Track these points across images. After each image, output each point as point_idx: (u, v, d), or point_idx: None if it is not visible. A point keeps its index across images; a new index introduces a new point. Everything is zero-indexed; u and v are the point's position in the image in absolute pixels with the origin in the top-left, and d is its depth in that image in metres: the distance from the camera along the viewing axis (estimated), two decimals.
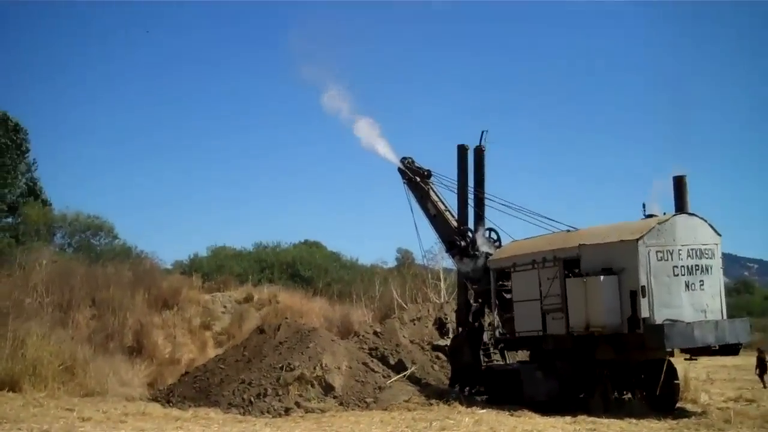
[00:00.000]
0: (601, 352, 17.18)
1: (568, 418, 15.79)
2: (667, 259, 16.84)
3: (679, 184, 18.88)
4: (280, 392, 17.64)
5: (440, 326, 22.34)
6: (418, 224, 22.39)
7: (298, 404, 17.31)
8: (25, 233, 41.78)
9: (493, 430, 14.00)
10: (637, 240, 16.65)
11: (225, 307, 30.32)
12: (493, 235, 21.41)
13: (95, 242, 45.00)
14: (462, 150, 21.76)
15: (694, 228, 17.40)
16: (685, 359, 17.72)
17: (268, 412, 17.04)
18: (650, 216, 17.64)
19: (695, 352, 17.26)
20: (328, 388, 18.01)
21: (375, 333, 23.54)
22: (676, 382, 17.75)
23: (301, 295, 32.27)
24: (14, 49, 68.44)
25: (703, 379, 21.06)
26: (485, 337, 20.59)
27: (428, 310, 25.48)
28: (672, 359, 17.50)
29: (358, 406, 17.60)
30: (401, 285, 29.36)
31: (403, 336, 23.74)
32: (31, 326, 19.95)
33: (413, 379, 20.26)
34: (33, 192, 45.82)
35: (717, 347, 17.18)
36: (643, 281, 16.54)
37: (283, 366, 18.31)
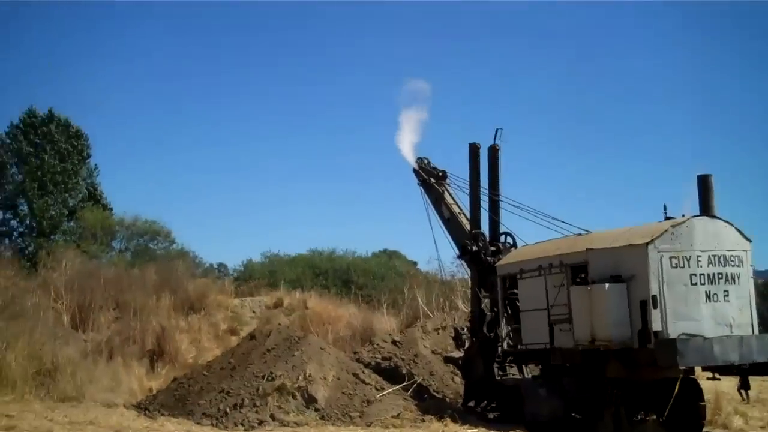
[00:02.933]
0: (612, 368, 15.12)
1: None
2: (683, 266, 14.57)
3: (704, 184, 16.59)
4: (258, 403, 16.12)
5: (456, 337, 20.54)
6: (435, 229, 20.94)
7: (273, 417, 15.73)
8: (83, 237, 41.98)
9: None
10: (647, 244, 14.50)
11: (254, 312, 29.26)
12: (509, 240, 19.62)
13: (153, 246, 44.94)
14: (474, 148, 19.93)
15: (716, 232, 15.04)
16: (707, 378, 15.42)
17: (242, 424, 15.51)
18: (669, 219, 15.52)
19: (721, 371, 15.07)
20: (310, 400, 16.37)
21: (393, 342, 21.99)
22: (701, 403, 15.42)
23: (332, 301, 30.84)
24: (78, 56, 69.51)
25: (742, 401, 18.48)
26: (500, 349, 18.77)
27: (454, 320, 23.74)
28: (709, 379, 15.40)
29: (341, 420, 15.90)
30: (428, 292, 27.65)
31: (424, 346, 22.12)
32: (28, 328, 19.09)
33: (421, 393, 18.59)
34: (93, 197, 46.13)
35: (747, 366, 14.99)
36: (654, 290, 14.32)
37: (265, 375, 16.80)
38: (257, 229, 74.15)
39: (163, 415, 16.63)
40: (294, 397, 16.30)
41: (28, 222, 43.30)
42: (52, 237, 41.98)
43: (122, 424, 15.10)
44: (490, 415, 17.59)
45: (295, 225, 72.86)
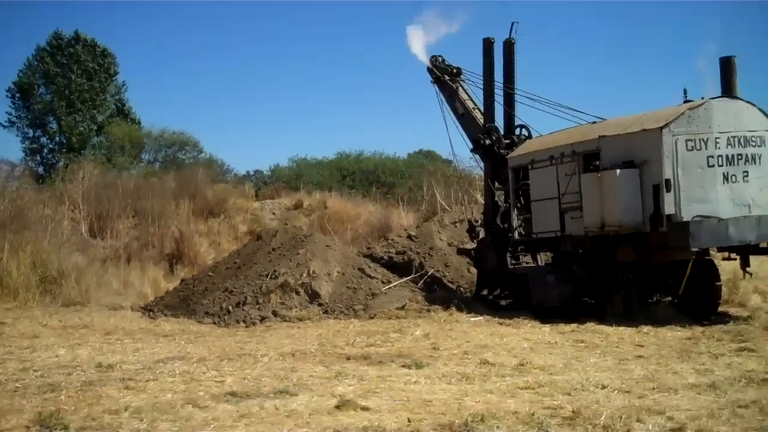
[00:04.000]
0: (622, 253, 14.56)
1: (569, 326, 13.53)
2: (700, 149, 13.83)
3: (727, 66, 15.69)
4: (261, 300, 15.87)
5: (470, 229, 20.14)
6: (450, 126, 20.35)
7: (275, 313, 15.48)
8: (112, 151, 42.20)
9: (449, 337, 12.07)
10: (662, 128, 13.74)
11: (274, 214, 28.99)
12: (524, 132, 18.99)
13: (181, 156, 45.08)
14: (488, 43, 19.00)
15: (737, 113, 14.13)
16: (723, 259, 14.86)
17: (243, 321, 15.31)
18: (688, 102, 14.74)
19: (738, 251, 14.50)
20: (313, 296, 16.06)
21: (409, 236, 21.70)
22: (717, 284, 14.84)
23: (352, 201, 30.48)
24: None
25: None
26: None
27: (471, 213, 23.33)
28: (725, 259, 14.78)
29: (344, 314, 15.62)
30: (447, 186, 27.15)
31: (440, 239, 21.75)
32: (35, 237, 19.09)
33: (433, 285, 18.38)
34: (122, 112, 46.33)
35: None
36: (667, 174, 13.61)
37: (268, 273, 16.52)
38: (288, 135, 73.44)
39: (165, 315, 16.49)
40: (297, 293, 16.00)
41: (57, 138, 43.78)
42: (81, 152, 42.37)
43: (117, 326, 14.92)
44: (503, 303, 17.35)
45: (325, 130, 71.99)
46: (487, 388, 8.77)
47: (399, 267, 19.13)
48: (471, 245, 20.07)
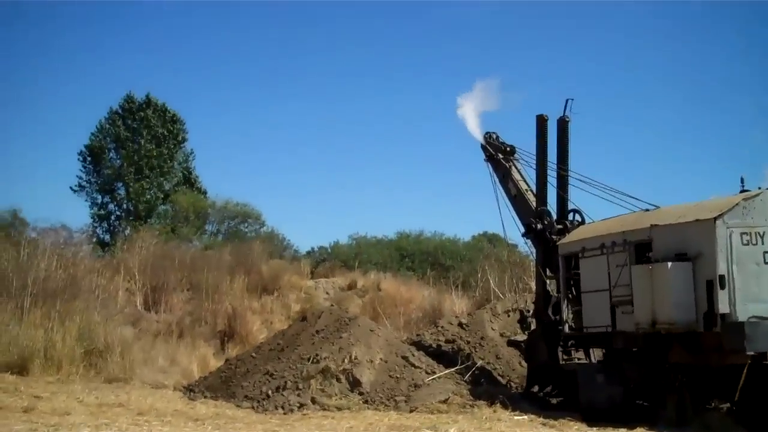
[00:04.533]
0: (675, 354, 13.74)
1: (617, 431, 12.72)
2: (756, 243, 13.04)
3: None
4: (301, 386, 15.42)
5: (521, 320, 19.39)
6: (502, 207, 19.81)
7: (314, 400, 15.01)
8: (176, 220, 42.74)
9: None
10: (716, 219, 13.05)
11: (327, 293, 28.70)
12: (578, 218, 18.32)
13: (243, 229, 45.27)
14: (541, 120, 18.52)
15: None
16: None
17: (282, 407, 14.84)
18: (745, 191, 13.97)
19: None
20: (354, 384, 15.54)
21: (460, 324, 21.03)
22: None
23: (407, 283, 29.93)
24: (174, 43, 70.74)
25: None
26: None
27: (525, 301, 22.56)
28: None
29: (385, 404, 15.01)
30: (502, 272, 26.42)
31: (492, 328, 21.05)
32: (82, 308, 19.10)
33: (481, 378, 17.65)
34: (188, 181, 46.86)
35: None
36: (722, 269, 12.85)
37: (310, 357, 16.10)
38: (349, 212, 73.45)
39: (205, 397, 16.21)
40: (338, 380, 15.54)
41: (125, 205, 44.45)
42: (148, 220, 42.94)
43: (153, 406, 14.63)
44: (553, 401, 16.53)
45: (386, 208, 71.77)
46: None
47: (447, 357, 18.48)
48: (522, 337, 19.30)
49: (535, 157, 18.79)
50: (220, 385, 16.78)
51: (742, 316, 12.73)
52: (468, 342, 19.96)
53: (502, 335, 20.75)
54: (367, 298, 27.62)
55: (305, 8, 73.59)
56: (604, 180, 17.20)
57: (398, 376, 15.89)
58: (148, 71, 65.38)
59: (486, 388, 16.48)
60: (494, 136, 20.32)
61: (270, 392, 15.46)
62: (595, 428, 13.01)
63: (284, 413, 14.60)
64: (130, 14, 67.35)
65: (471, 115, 20.74)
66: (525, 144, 19.62)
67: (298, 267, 31.23)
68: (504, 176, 19.76)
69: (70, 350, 17.51)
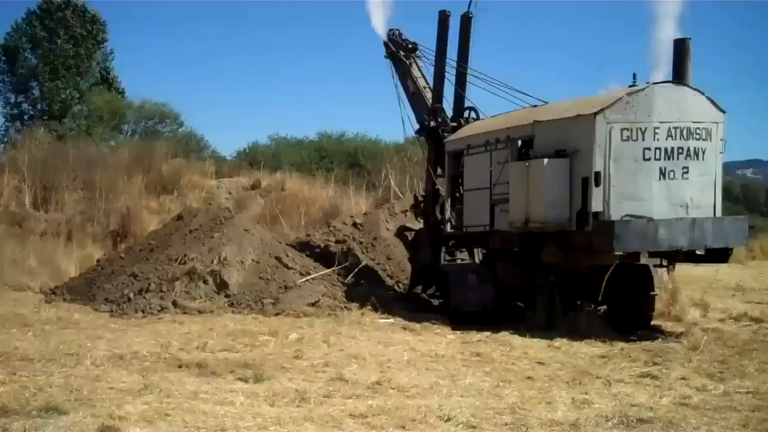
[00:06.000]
0: (547, 254, 12.91)
1: (480, 334, 12.00)
2: (636, 139, 12.10)
3: (680, 49, 13.83)
4: (165, 288, 14.30)
5: (415, 204, 18.20)
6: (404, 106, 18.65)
7: (175, 303, 13.91)
8: (90, 120, 40.85)
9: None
10: (596, 114, 12.07)
11: (230, 193, 27.30)
12: (473, 116, 17.30)
13: (161, 129, 43.58)
14: (443, 15, 17.18)
15: (682, 101, 12.33)
16: (655, 266, 13.03)
17: (142, 311, 13.76)
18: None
19: (671, 257, 12.84)
20: (221, 286, 14.46)
21: (354, 224, 20.06)
22: (652, 293, 13.18)
23: (311, 183, 28.69)
24: None
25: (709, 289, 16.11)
26: None
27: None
28: (656, 266, 13.07)
29: (250, 308, 14.04)
30: (403, 171, 25.41)
31: (387, 228, 20.11)
32: None
33: (364, 278, 16.84)
34: (107, 81, 44.77)
35: (704, 252, 12.79)
36: (598, 166, 11.91)
37: (178, 258, 14.93)
38: (270, 112, 71.02)
39: (65, 300, 15.00)
40: (205, 281, 14.41)
41: (39, 105, 42.46)
42: (62, 120, 41.01)
43: (9, 311, 13.30)
44: (435, 303, 15.85)
45: (309, 109, 69.52)
46: (316, 412, 7.25)
47: (334, 258, 17.54)
48: (414, 225, 18.42)
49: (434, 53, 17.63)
50: (82, 288, 15.52)
51: (615, 214, 11.95)
52: (360, 242, 18.96)
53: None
54: (269, 198, 26.41)
55: None
56: (510, 79, 16.15)
57: (269, 277, 14.82)
58: None
59: (363, 289, 15.53)
60: (397, 33, 19.01)
61: (132, 295, 14.28)
62: (458, 332, 12.24)
63: (143, 317, 13.49)
64: None
65: (378, 9, 19.41)
66: (429, 43, 18.41)
67: (201, 166, 29.76)
68: (404, 74, 18.54)
69: None
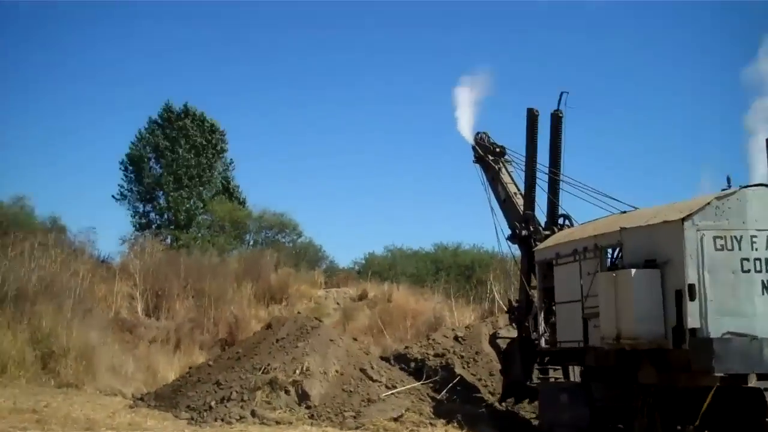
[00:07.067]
0: (644, 373, 11.98)
1: None
2: (732, 249, 11.24)
3: None
4: (246, 397, 14.15)
5: (510, 310, 17.25)
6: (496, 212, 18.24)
7: (254, 413, 13.69)
8: (212, 228, 42.31)
9: None
10: (683, 220, 11.31)
11: (338, 303, 27.47)
12: (567, 224, 16.61)
13: (281, 239, 44.55)
14: (531, 115, 16.74)
15: None
16: (766, 389, 11.73)
17: (222, 419, 13.62)
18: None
19: None
20: (303, 397, 14.22)
21: (456, 337, 19.48)
22: (765, 420, 11.96)
23: (416, 294, 28.29)
24: (214, 53, 70.19)
25: None
26: None
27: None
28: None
29: (330, 420, 13.63)
30: (507, 280, 24.58)
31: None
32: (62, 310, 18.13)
33: (460, 392, 16.16)
34: (227, 190, 46.46)
35: None
36: (691, 278, 11.13)
37: (262, 367, 14.86)
38: (386, 225, 71.39)
39: (150, 407, 15.06)
40: (286, 392, 14.21)
41: (165, 215, 44.33)
42: (187, 229, 42.69)
43: (69, 415, 13.32)
44: (535, 421, 14.94)
45: (424, 221, 69.33)
46: None
47: (428, 372, 17.06)
48: (507, 333, 17.65)
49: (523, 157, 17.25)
50: (168, 395, 15.64)
51: (714, 331, 10.95)
52: (461, 356, 18.51)
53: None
54: (376, 309, 26.22)
55: (344, 18, 72.36)
56: (601, 179, 15.59)
57: (352, 390, 14.47)
58: (186, 81, 65.53)
59: (454, 405, 14.90)
60: (485, 137, 18.83)
61: (213, 403, 14.25)
62: None
63: (220, 426, 13.38)
64: (166, 25, 67.55)
65: (464, 112, 19.36)
66: (518, 146, 18.06)
67: (311, 276, 30.06)
68: (493, 179, 18.25)
69: (19, 353, 16.60)
